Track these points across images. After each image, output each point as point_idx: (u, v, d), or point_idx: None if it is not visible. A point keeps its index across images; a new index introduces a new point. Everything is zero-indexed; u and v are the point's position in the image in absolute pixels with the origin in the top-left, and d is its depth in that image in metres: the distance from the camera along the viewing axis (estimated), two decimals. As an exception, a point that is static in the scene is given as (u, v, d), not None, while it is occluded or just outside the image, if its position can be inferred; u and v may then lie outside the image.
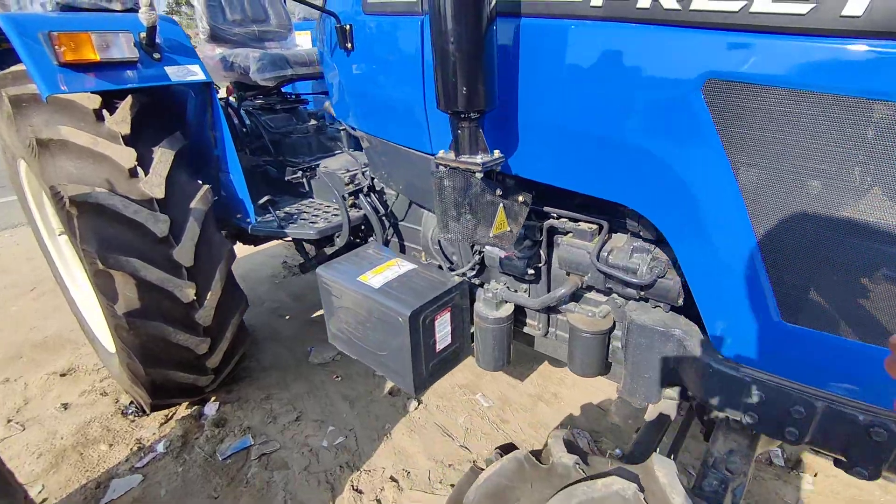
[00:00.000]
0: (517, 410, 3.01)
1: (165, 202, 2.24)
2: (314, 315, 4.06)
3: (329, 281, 2.01)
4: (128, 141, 2.20)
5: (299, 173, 2.61)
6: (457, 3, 1.14)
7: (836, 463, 1.25)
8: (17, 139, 2.22)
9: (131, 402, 3.03)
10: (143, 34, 2.12)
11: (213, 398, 3.08)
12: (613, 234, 1.69)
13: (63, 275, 3.12)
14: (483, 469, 1.41)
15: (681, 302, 1.56)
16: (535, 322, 2.16)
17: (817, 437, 1.21)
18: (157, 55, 2.18)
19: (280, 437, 2.80)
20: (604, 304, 1.87)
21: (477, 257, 2.09)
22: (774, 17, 0.94)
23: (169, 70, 2.20)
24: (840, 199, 0.99)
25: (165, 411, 2.93)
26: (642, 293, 1.63)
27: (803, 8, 0.91)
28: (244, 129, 2.85)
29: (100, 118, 2.17)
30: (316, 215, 2.67)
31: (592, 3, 1.18)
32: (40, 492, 2.48)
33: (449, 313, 1.90)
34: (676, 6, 1.05)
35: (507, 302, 2.00)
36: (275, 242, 4.80)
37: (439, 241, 2.23)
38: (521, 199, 1.63)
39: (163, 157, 2.27)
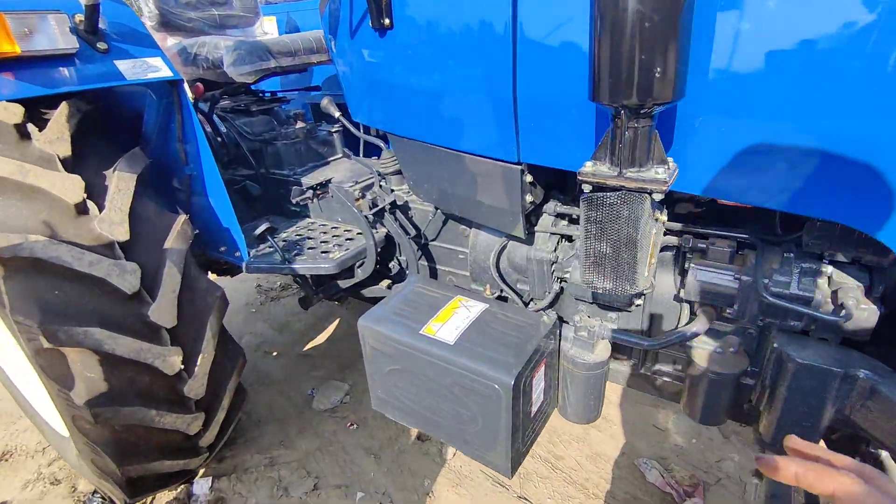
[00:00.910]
0: (569, 442, 2.65)
1: (131, 245, 1.66)
2: (306, 348, 3.50)
3: (380, 338, 1.53)
4: (69, 165, 1.59)
5: (308, 192, 2.07)
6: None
7: None
8: None
9: (95, 492, 2.39)
10: (81, 16, 1.51)
11: (201, 472, 2.50)
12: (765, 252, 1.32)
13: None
14: None
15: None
16: (624, 355, 1.78)
17: None
18: (102, 45, 1.58)
19: (299, 517, 2.28)
20: (730, 335, 1.51)
21: (557, 286, 1.67)
22: None
23: (121, 66, 1.60)
24: None
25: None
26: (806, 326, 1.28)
27: None
28: (219, 139, 2.26)
29: (25, 136, 1.54)
30: (325, 241, 2.15)
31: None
32: None
33: (544, 366, 1.48)
34: None
35: (602, 339, 1.60)
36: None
37: (497, 264, 1.79)
38: (660, 218, 1.23)
39: (121, 185, 1.67)
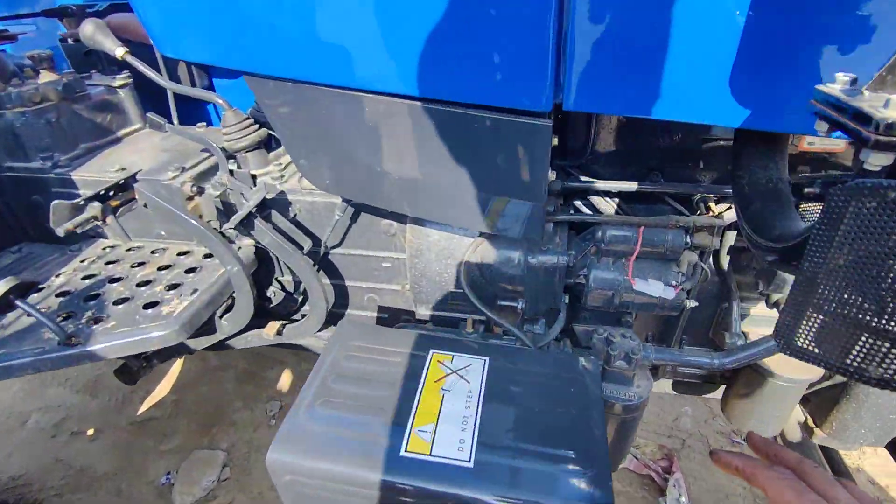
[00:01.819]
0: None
1: None
2: (142, 410, 2.43)
3: (322, 480, 0.78)
4: None
5: (88, 208, 1.08)
6: None
7: None
8: None
9: None
10: None
11: None
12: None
13: None
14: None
15: None
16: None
17: None
18: None
19: None
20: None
21: (567, 298, 1.11)
22: None
23: None
24: None
25: None
26: None
27: None
28: None
29: None
30: (147, 281, 1.21)
31: None
32: None
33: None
34: None
35: (643, 366, 1.10)
36: None
37: (467, 276, 1.14)
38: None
39: None
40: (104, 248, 1.36)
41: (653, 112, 0.68)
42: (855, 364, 0.48)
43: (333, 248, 1.38)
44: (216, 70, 1.67)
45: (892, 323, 0.44)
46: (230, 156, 1.30)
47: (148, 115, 1.54)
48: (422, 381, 0.90)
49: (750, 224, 0.73)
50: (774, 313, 1.19)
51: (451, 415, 0.84)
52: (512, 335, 1.09)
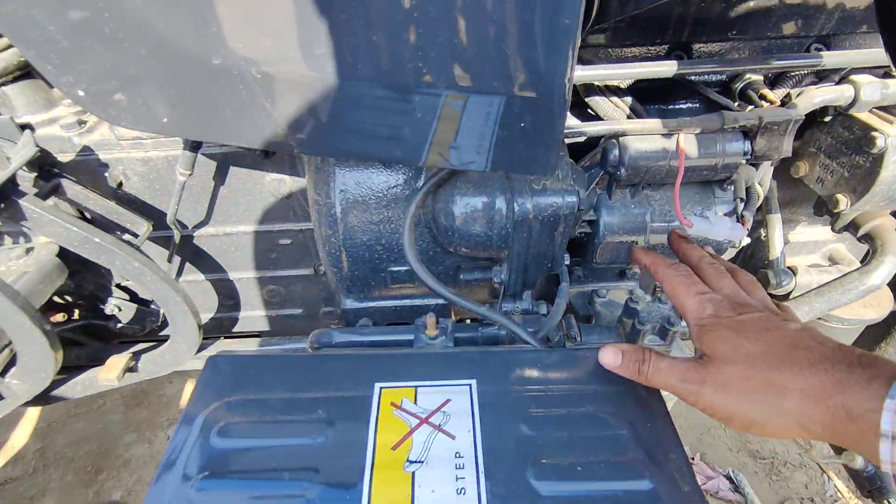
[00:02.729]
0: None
1: None
2: (-5, 473, 1.84)
3: None
4: None
5: None
6: None
7: None
8: None
9: None
10: None
11: None
12: None
13: None
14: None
15: None
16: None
17: None
18: None
19: None
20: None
21: (568, 258, 0.74)
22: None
23: None
24: None
25: None
26: None
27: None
28: None
29: None
30: None
31: None
32: None
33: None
34: None
35: (676, 336, 0.78)
36: None
37: (411, 240, 0.72)
38: None
39: None
40: None
41: None
42: None
43: (197, 228, 0.89)
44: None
45: None
46: (-32, 92, 0.74)
47: None
48: (368, 454, 0.50)
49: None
50: (824, 235, 0.90)
51: (441, 487, 0.46)
52: (494, 324, 0.71)
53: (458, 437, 0.51)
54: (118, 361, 0.83)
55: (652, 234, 0.71)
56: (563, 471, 0.49)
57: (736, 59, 0.66)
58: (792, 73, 0.70)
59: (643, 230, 0.71)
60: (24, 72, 0.76)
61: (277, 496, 0.46)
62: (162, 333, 1.05)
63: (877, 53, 0.62)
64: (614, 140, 0.66)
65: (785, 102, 0.68)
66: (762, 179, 0.79)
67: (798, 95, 0.68)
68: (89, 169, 0.81)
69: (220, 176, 0.83)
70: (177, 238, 0.85)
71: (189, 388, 2.09)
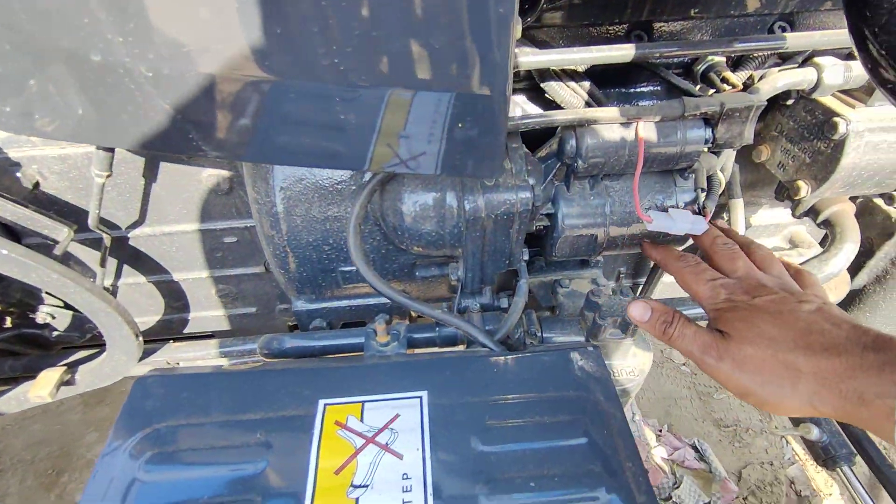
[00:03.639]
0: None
1: None
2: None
3: None
4: None
5: None
6: None
7: None
8: None
9: None
10: None
11: None
12: None
13: None
14: None
15: None
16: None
17: None
18: None
19: None
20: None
21: (526, 252, 0.72)
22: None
23: None
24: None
25: None
26: None
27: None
28: None
29: None
30: None
31: None
32: None
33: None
34: None
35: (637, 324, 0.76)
36: None
37: (364, 252, 0.67)
38: None
39: None
40: None
41: None
42: None
43: (132, 228, 0.83)
44: None
45: None
46: None
47: None
48: (308, 481, 0.46)
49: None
50: (785, 218, 0.89)
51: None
52: (450, 326, 0.68)
53: (405, 457, 0.49)
54: (51, 376, 0.77)
55: (612, 226, 0.69)
56: (517, 487, 0.47)
57: (696, 42, 0.62)
58: (755, 55, 0.67)
59: (604, 223, 0.68)
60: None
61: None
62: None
63: (841, 34, 0.59)
64: (571, 130, 0.62)
65: (748, 85, 0.65)
66: (725, 164, 0.77)
67: (761, 78, 0.65)
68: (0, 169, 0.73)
69: (150, 172, 0.76)
70: (107, 241, 0.78)
71: (153, 382, 2.03)
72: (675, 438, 1.83)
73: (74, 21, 0.34)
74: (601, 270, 0.90)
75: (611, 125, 0.61)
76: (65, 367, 0.79)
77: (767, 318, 0.47)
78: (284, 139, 0.44)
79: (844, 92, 0.65)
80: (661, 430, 1.85)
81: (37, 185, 0.74)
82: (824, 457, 1.19)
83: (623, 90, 0.74)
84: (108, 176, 0.66)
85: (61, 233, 0.70)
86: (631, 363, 0.76)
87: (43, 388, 0.76)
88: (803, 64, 0.66)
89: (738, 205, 0.80)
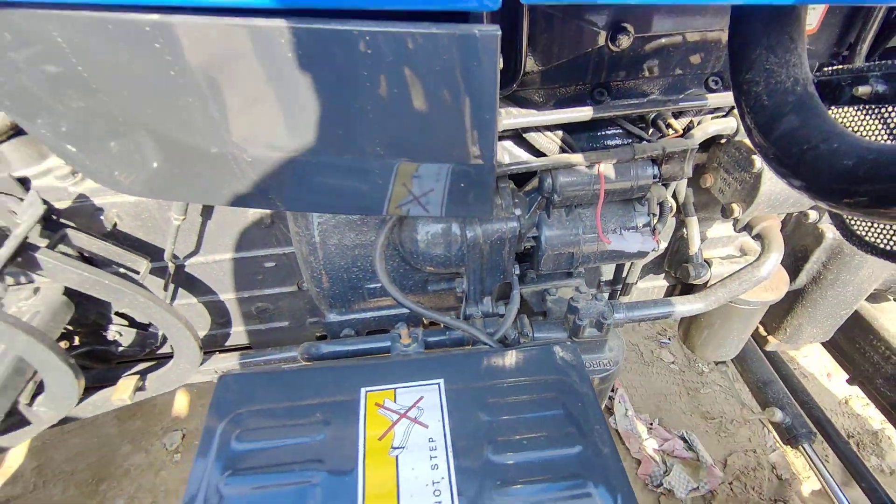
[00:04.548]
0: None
1: None
2: (-6, 493, 1.89)
3: None
4: None
5: None
6: None
7: None
8: None
9: None
10: None
11: None
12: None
13: None
14: None
15: None
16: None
17: None
18: None
19: None
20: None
21: (518, 268, 0.88)
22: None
23: None
24: None
25: None
26: None
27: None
28: None
29: None
30: None
31: None
32: None
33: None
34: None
35: (615, 326, 0.93)
36: None
37: (388, 270, 0.84)
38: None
39: None
40: None
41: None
42: None
43: (188, 258, 0.99)
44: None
45: None
46: (-30, 154, 0.82)
47: None
48: (359, 445, 0.63)
49: (777, 149, 0.51)
50: (734, 231, 1.06)
51: (415, 487, 0.59)
52: (457, 329, 0.84)
53: (430, 427, 0.65)
54: (129, 382, 0.93)
55: (584, 244, 0.85)
56: (513, 445, 0.63)
57: (641, 103, 0.79)
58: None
59: (578, 242, 0.85)
60: (16, 130, 0.84)
61: (291, 483, 0.58)
62: (160, 352, 1.14)
63: (750, 93, 0.76)
64: (548, 172, 0.79)
65: (689, 128, 0.83)
66: (678, 189, 0.94)
67: (699, 123, 0.83)
68: (86, 213, 0.89)
69: (206, 212, 0.93)
70: (171, 270, 0.94)
71: (179, 397, 2.18)
72: (666, 431, 1.98)
73: (205, 127, 0.51)
74: (584, 280, 1.07)
75: (579, 167, 0.78)
76: (139, 375, 0.95)
77: None
78: (332, 197, 0.61)
79: (762, 133, 0.83)
80: (652, 424, 2.00)
81: (115, 225, 0.91)
82: (788, 437, 1.35)
83: (591, 134, 0.91)
84: (183, 219, 0.82)
85: (141, 264, 0.86)
86: (608, 355, 0.93)
87: (124, 392, 0.92)
88: (728, 113, 0.84)
89: (692, 222, 0.97)
